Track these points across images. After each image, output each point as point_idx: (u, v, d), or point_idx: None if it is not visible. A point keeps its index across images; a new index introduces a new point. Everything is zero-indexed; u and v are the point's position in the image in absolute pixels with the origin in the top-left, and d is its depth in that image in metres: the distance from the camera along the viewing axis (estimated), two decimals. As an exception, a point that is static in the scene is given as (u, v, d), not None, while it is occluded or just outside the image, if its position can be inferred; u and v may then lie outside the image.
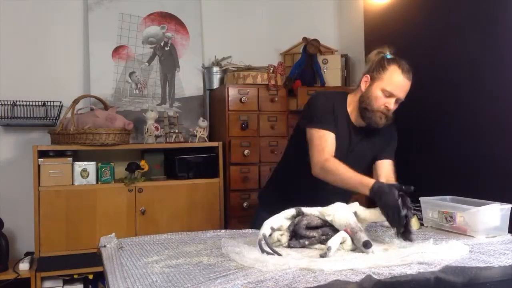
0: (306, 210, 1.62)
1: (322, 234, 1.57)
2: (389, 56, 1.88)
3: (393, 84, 1.84)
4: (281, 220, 1.59)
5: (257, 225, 1.77)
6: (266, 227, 1.54)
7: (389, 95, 1.85)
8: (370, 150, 2.01)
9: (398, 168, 3.01)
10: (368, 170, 1.99)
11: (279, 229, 1.58)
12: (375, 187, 1.68)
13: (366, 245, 1.48)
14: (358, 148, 1.98)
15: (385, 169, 2.02)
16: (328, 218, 1.59)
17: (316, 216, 1.60)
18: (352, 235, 1.53)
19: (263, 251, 1.44)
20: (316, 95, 2.08)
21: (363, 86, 1.92)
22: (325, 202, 1.65)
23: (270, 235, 1.54)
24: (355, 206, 1.65)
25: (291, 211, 1.61)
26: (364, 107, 1.90)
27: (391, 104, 1.87)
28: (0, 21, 3.15)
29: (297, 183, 2.02)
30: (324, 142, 1.89)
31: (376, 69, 1.88)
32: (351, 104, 1.97)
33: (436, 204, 1.90)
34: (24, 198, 3.02)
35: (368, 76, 1.90)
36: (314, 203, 1.64)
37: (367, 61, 1.98)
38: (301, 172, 1.93)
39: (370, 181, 1.70)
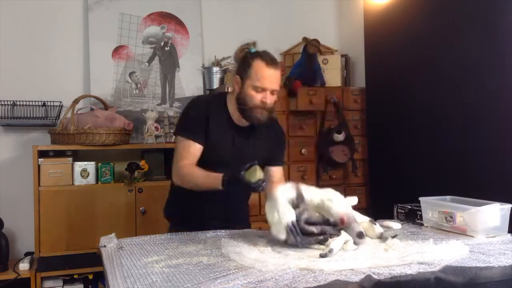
0: (306, 193, 1.62)
1: (321, 232, 1.56)
2: (252, 51, 1.89)
3: (262, 79, 1.83)
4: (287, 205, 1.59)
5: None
6: (290, 213, 1.54)
7: (261, 90, 1.84)
8: (257, 150, 1.97)
9: (399, 168, 3.02)
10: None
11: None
12: (225, 179, 1.71)
13: (360, 235, 1.49)
14: (243, 149, 1.95)
15: (276, 177, 2.02)
16: (328, 203, 1.59)
17: (316, 211, 1.60)
18: (347, 224, 1.53)
19: (296, 241, 1.46)
20: (190, 102, 2.04)
21: (236, 88, 1.90)
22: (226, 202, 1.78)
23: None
24: (354, 199, 1.66)
25: (291, 193, 1.61)
26: (242, 108, 1.89)
27: (267, 98, 1.85)
28: (0, 21, 3.15)
29: (190, 191, 1.94)
30: (186, 151, 1.90)
31: (243, 68, 1.87)
32: (232, 104, 1.95)
33: (436, 204, 1.90)
34: (24, 198, 3.02)
35: (238, 76, 1.89)
36: (215, 203, 1.77)
37: (235, 60, 1.99)
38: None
39: (219, 175, 1.73)
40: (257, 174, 1.61)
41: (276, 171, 2.03)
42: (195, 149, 1.90)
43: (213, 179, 1.74)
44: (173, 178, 1.95)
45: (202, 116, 1.92)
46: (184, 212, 2.04)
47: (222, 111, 1.96)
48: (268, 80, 1.84)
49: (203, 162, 1.88)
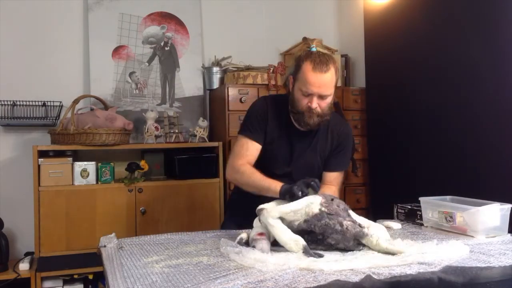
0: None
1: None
2: (313, 49, 1.79)
3: (307, 83, 1.76)
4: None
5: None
6: (296, 239, 1.50)
7: (308, 94, 1.78)
8: (318, 152, 1.93)
9: (399, 168, 3.02)
10: (320, 178, 1.90)
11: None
12: (282, 190, 1.67)
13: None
14: (301, 152, 1.91)
15: (330, 181, 1.95)
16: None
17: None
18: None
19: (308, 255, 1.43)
20: (254, 103, 2.03)
21: (290, 88, 1.86)
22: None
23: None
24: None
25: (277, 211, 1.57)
26: (291, 111, 1.86)
27: (313, 103, 1.78)
28: (0, 21, 3.15)
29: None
30: (244, 150, 1.89)
31: (296, 69, 1.82)
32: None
33: (436, 204, 1.90)
34: (24, 198, 3.02)
35: (292, 77, 1.85)
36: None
37: (294, 58, 1.91)
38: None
39: (278, 186, 1.69)
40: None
41: (330, 177, 1.94)
42: (254, 148, 1.88)
43: (272, 186, 1.70)
44: (227, 172, 1.92)
45: (262, 116, 1.90)
46: (243, 204, 1.99)
47: (283, 114, 1.91)
48: (313, 85, 1.75)
49: (260, 162, 1.87)
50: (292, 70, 1.84)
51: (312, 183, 1.61)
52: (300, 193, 1.58)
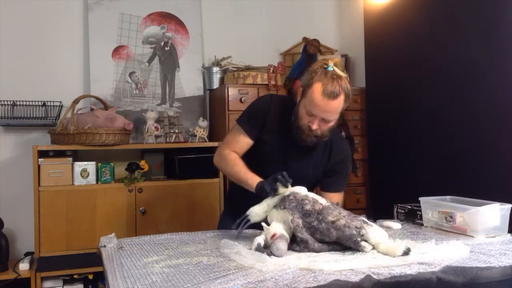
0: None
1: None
2: (329, 68, 1.70)
3: (313, 105, 1.70)
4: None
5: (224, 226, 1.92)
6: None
7: (311, 114, 1.73)
8: (310, 166, 1.90)
9: (399, 168, 3.02)
10: (310, 187, 1.81)
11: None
12: (257, 188, 1.71)
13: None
14: (294, 161, 1.87)
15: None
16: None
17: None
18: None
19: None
20: (259, 98, 2.04)
21: (297, 99, 1.80)
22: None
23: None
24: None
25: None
26: (293, 123, 1.81)
27: (314, 124, 1.73)
28: (0, 21, 3.15)
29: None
30: (235, 141, 1.91)
31: (307, 83, 1.73)
32: None
33: (436, 204, 1.90)
34: (24, 198, 3.02)
35: (301, 89, 1.78)
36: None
37: (310, 70, 1.80)
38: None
39: (254, 182, 1.73)
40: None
41: (331, 198, 1.81)
42: (244, 142, 1.90)
43: (250, 181, 1.74)
44: (215, 156, 1.95)
45: (262, 114, 1.90)
46: (235, 203, 2.03)
47: (284, 115, 1.86)
48: (319, 109, 1.70)
49: (254, 160, 1.88)
50: (305, 81, 1.75)
51: (279, 176, 1.64)
52: (269, 189, 1.64)
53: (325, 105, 1.69)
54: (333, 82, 1.67)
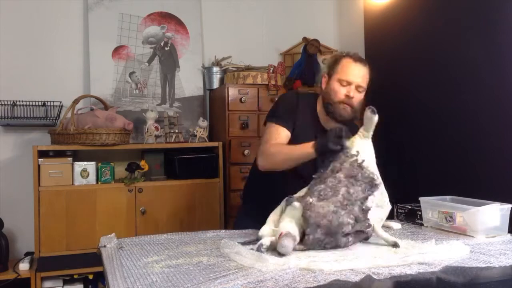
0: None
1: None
2: (344, 54, 1.95)
3: (347, 72, 1.90)
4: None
5: (240, 224, 1.91)
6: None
7: (347, 83, 1.90)
8: None
9: (399, 168, 3.01)
10: None
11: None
12: (319, 149, 1.69)
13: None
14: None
15: None
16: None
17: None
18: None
19: None
20: (284, 94, 2.10)
21: (323, 85, 1.97)
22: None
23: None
24: None
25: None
26: (326, 103, 1.93)
27: (351, 91, 1.90)
28: (0, 21, 3.15)
29: (271, 180, 1.96)
30: (276, 135, 1.91)
31: (331, 67, 1.95)
32: (320, 106, 1.99)
33: (436, 204, 1.90)
34: (24, 198, 3.02)
35: (326, 75, 1.97)
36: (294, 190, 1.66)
37: (327, 65, 2.04)
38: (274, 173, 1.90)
39: (309, 147, 1.72)
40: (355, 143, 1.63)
41: None
42: (285, 135, 1.92)
43: (306, 148, 1.73)
44: (259, 161, 1.91)
45: (292, 109, 1.96)
46: (262, 196, 2.01)
47: (311, 110, 1.99)
48: (353, 74, 1.89)
49: None
50: (329, 65, 1.96)
51: (341, 132, 1.61)
52: (338, 146, 1.61)
53: (359, 69, 1.91)
54: (357, 54, 1.95)
